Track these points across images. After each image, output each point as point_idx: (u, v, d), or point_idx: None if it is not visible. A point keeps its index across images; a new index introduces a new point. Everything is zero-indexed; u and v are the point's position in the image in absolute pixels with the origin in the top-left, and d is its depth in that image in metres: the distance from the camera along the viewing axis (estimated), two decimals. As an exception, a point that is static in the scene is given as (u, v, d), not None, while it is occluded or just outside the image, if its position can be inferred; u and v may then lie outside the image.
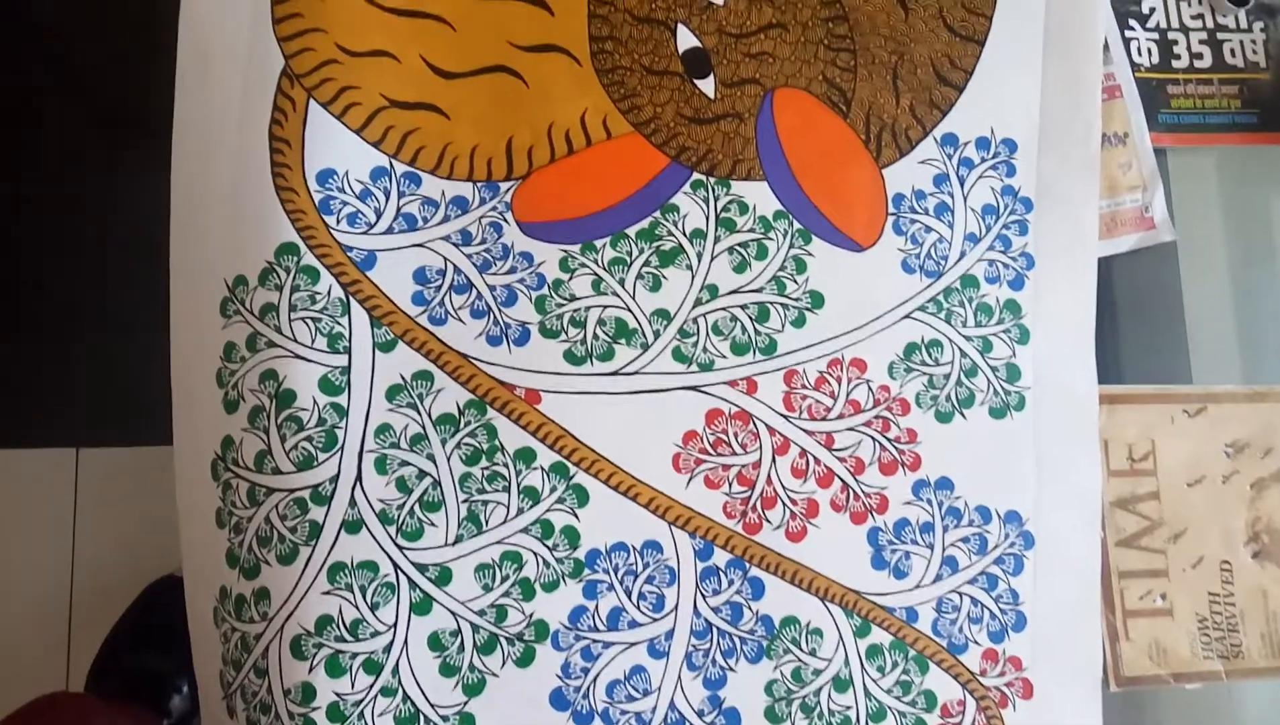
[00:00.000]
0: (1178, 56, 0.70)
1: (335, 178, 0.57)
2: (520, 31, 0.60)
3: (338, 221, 0.56)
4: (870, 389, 0.61)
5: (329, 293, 0.55)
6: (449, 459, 0.55)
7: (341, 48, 0.58)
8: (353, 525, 0.53)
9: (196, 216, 0.57)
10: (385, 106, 0.58)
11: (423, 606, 0.54)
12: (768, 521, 0.58)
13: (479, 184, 0.59)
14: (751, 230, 0.62)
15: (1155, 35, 0.70)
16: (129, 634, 0.93)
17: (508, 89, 0.60)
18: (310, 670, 0.52)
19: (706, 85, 0.62)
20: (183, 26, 0.58)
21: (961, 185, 0.65)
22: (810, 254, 0.62)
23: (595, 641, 0.56)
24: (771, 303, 0.61)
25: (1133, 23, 0.70)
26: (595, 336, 0.58)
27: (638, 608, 0.56)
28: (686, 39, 0.63)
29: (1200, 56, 0.70)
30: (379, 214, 0.57)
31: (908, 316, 0.63)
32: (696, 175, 0.62)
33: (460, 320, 0.57)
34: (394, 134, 0.58)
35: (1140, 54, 0.70)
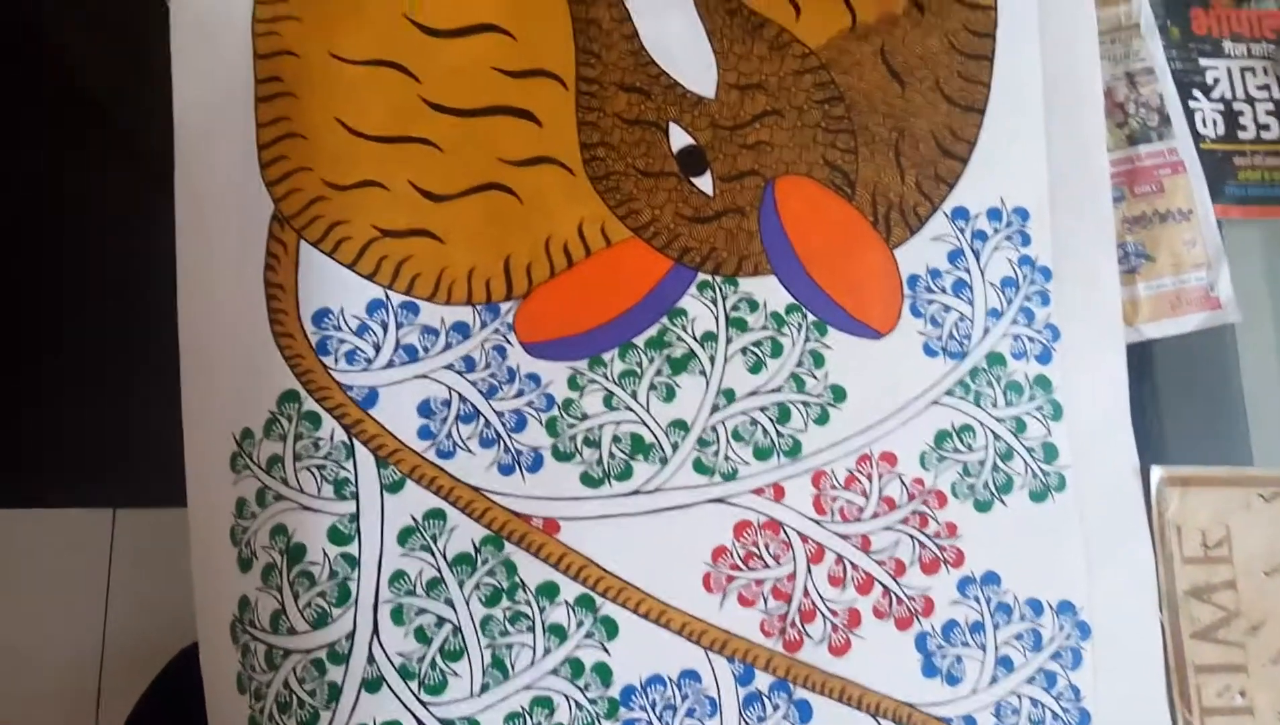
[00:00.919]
0: (1244, 127, 0.67)
1: (331, 316, 0.55)
2: (509, 146, 0.59)
3: (336, 361, 0.54)
4: (903, 483, 0.59)
5: (332, 437, 0.53)
6: (468, 602, 0.52)
7: (329, 183, 0.56)
8: (372, 684, 0.51)
9: (203, 369, 0.55)
10: (377, 237, 0.56)
11: (453, 763, 0.51)
12: (808, 636, 0.55)
13: (479, 307, 0.57)
14: (764, 327, 0.59)
15: (1220, 106, 0.68)
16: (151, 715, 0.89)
17: (501, 206, 0.58)
18: (339, 843, 0.49)
19: (704, 182, 0.61)
20: (178, 173, 0.57)
21: (977, 259, 0.63)
22: (827, 346, 0.60)
23: (638, 782, 0.53)
24: (792, 402, 0.59)
25: (1196, 93, 0.68)
26: (611, 455, 0.56)
27: (680, 742, 0.53)
28: (680, 137, 0.61)
29: (1267, 128, 0.67)
30: (378, 348, 0.55)
31: (935, 402, 0.60)
32: (702, 276, 0.60)
33: (469, 451, 0.55)
34: (388, 264, 0.56)
35: (1205, 125, 0.67)
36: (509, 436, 0.55)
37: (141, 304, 0.60)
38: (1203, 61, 0.68)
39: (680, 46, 0.62)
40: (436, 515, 0.54)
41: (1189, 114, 0.67)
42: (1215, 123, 0.68)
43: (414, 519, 0.53)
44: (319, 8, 0.58)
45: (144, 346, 0.58)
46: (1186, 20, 0.69)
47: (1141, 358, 0.64)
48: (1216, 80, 0.68)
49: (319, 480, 0.53)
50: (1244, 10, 0.70)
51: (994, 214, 0.64)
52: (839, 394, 0.59)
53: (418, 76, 0.59)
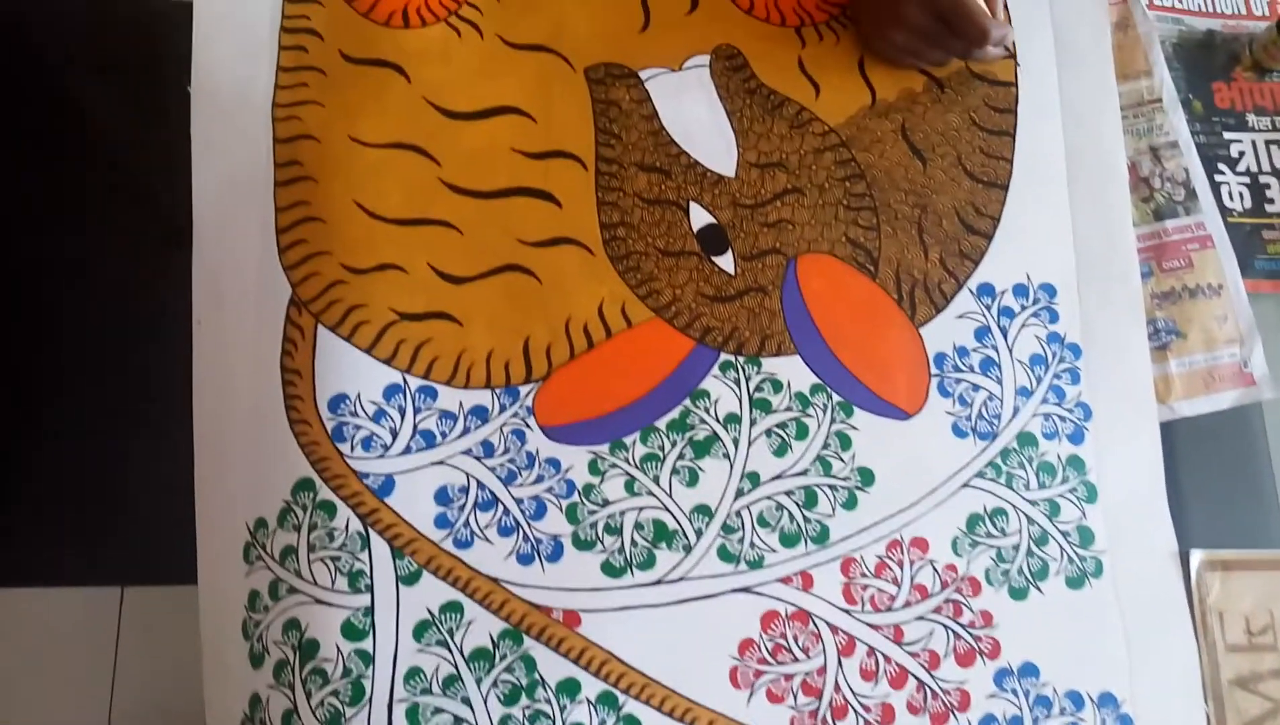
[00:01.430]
0: (1271, 201, 0.66)
1: (347, 402, 0.54)
2: (529, 227, 0.58)
3: (352, 448, 0.53)
4: (936, 570, 0.57)
5: (347, 527, 0.52)
6: (486, 701, 0.50)
7: (347, 267, 0.56)
8: (387, 788, 0.48)
9: (217, 459, 0.54)
10: (395, 321, 0.56)
11: None
12: (841, 734, 0.53)
13: (498, 390, 0.56)
14: (789, 409, 0.58)
15: (1246, 179, 0.67)
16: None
17: (521, 287, 0.58)
18: None
19: (725, 261, 0.60)
20: (196, 256, 0.57)
21: (1005, 337, 0.62)
22: (854, 427, 0.58)
23: None
24: (818, 485, 0.57)
25: (1222, 167, 0.67)
26: (633, 543, 0.54)
27: (707, 848, 0.51)
28: (700, 216, 0.60)
29: (1295, 200, 0.67)
30: (394, 434, 0.54)
31: (966, 485, 0.58)
32: (724, 356, 0.58)
33: (487, 540, 0.53)
34: (406, 348, 0.55)
35: (1232, 199, 0.67)
36: (528, 524, 0.54)
37: (154, 382, 0.60)
38: (1227, 135, 0.68)
39: (700, 126, 0.62)
40: (453, 608, 0.52)
41: (1215, 188, 0.66)
42: (1242, 196, 0.67)
43: (430, 612, 0.52)
44: (340, 92, 0.58)
45: (156, 425, 0.57)
46: (1209, 94, 0.69)
47: (1165, 435, 0.62)
48: (1242, 154, 0.67)
49: (333, 572, 0.51)
50: (1267, 83, 0.69)
51: (1020, 290, 0.63)
52: (867, 477, 0.57)
53: (437, 159, 0.58)
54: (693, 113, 0.62)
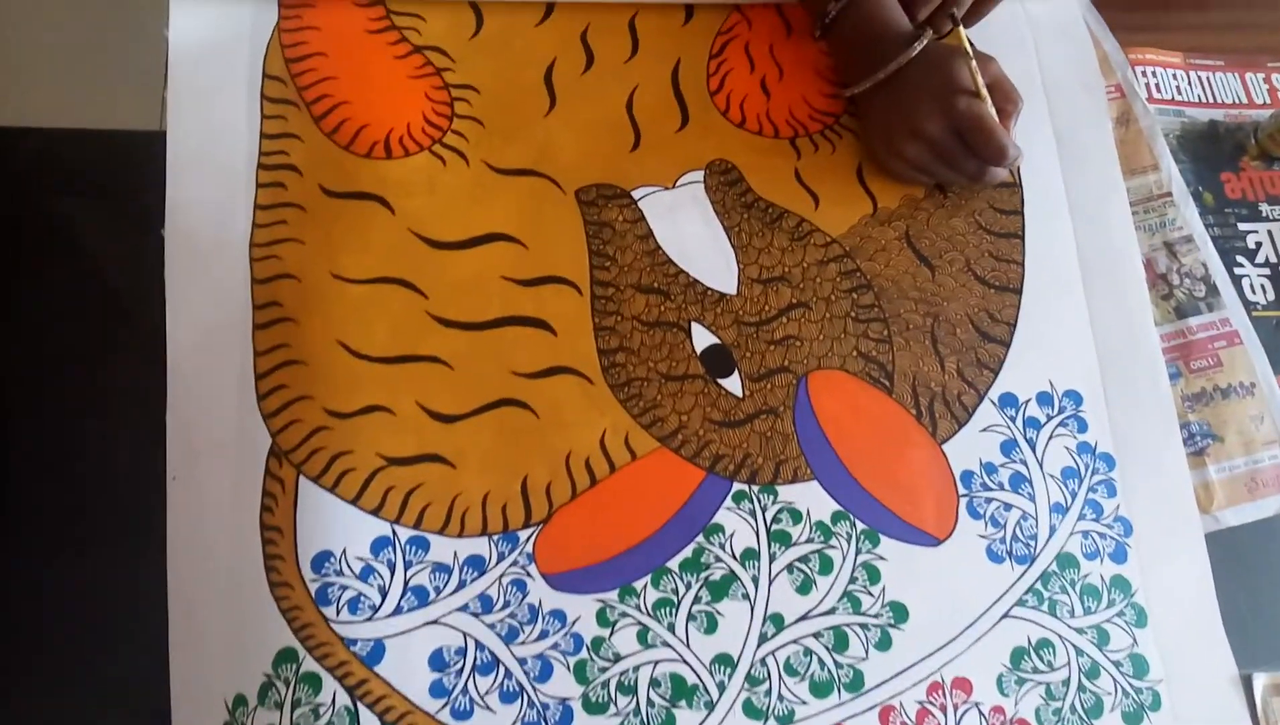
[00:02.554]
0: None
1: (332, 560, 0.50)
2: (523, 358, 0.55)
3: (338, 612, 0.49)
4: (982, 714, 0.52)
5: (333, 702, 0.47)
6: None
7: (330, 412, 0.52)
8: None
9: (193, 628, 0.50)
10: (382, 467, 0.52)
11: None
12: None
13: (495, 537, 0.52)
14: (810, 540, 0.54)
15: (1266, 271, 0.64)
16: None
17: (516, 423, 0.54)
18: None
19: (732, 383, 0.57)
20: (170, 413, 0.53)
21: (1033, 449, 0.58)
22: (881, 557, 0.54)
23: None
24: (848, 625, 0.52)
25: (1240, 259, 0.64)
26: (650, 703, 0.49)
27: None
28: (703, 337, 0.57)
29: (1319, 288, 0.64)
30: (384, 593, 0.50)
31: (1007, 615, 0.54)
32: (737, 485, 0.55)
33: (489, 708, 0.48)
34: (394, 496, 0.51)
35: (1254, 292, 0.64)
36: (533, 688, 0.49)
37: (125, 544, 0.55)
38: (1241, 226, 0.66)
39: (697, 243, 0.59)
40: (453, 790, 0.47)
41: (1235, 281, 0.64)
42: (1264, 288, 0.64)
43: (428, 796, 0.46)
44: (321, 228, 0.56)
45: (130, 590, 0.53)
46: (1219, 185, 0.67)
47: (1212, 546, 0.58)
48: (1259, 244, 0.65)
49: (318, 756, 0.46)
50: (1276, 171, 0.67)
51: (1044, 399, 0.59)
52: (900, 613, 0.53)
53: (424, 292, 0.55)
54: (689, 230, 0.59)
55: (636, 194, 0.60)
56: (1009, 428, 0.58)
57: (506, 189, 0.59)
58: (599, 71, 0.62)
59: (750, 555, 0.53)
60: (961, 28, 0.57)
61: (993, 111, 0.57)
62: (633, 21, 0.64)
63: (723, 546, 0.53)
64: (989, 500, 0.56)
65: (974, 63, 0.56)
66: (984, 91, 0.57)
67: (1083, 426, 0.59)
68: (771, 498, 0.55)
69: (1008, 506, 0.56)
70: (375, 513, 0.51)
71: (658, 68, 0.63)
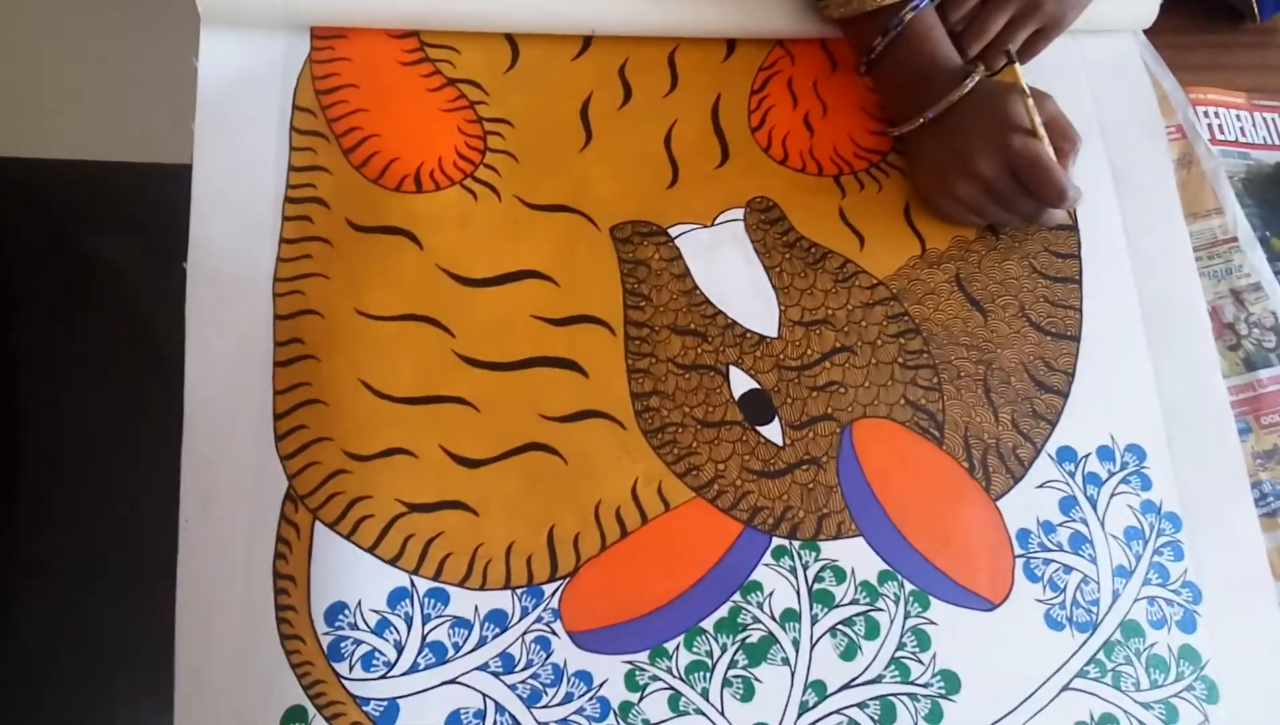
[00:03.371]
0: None
1: (346, 612, 0.47)
2: (553, 401, 0.53)
3: (350, 668, 0.46)
4: (1042, 797, 0.47)
5: (343, 766, 0.44)
6: None
7: (350, 454, 0.50)
8: None
9: (201, 683, 0.47)
10: (403, 513, 0.49)
11: None
12: None
13: (519, 590, 0.49)
14: (855, 601, 0.50)
15: None
16: None
17: (544, 469, 0.51)
18: None
19: (772, 431, 0.53)
20: (186, 454, 0.50)
21: (1094, 507, 0.54)
22: (932, 622, 0.50)
23: None
24: (896, 695, 0.49)
25: None
26: (682, 775, 0.46)
27: None
28: (742, 382, 0.54)
29: None
30: (400, 649, 0.47)
31: (1067, 687, 0.50)
32: (777, 540, 0.51)
33: (509, 777, 0.45)
34: (414, 544, 0.49)
35: None
36: (557, 756, 0.46)
37: (136, 590, 0.53)
38: (1314, 273, 0.62)
39: (737, 284, 0.57)
40: None
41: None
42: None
43: None
44: (347, 263, 0.54)
45: (135, 645, 0.50)
46: (1288, 230, 0.63)
47: None
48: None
49: (326, 826, 0.43)
50: (1349, 217, 0.64)
51: (1105, 453, 0.56)
52: (952, 683, 0.49)
53: (451, 330, 0.53)
54: (728, 269, 0.57)
55: (674, 232, 0.57)
56: (1068, 484, 0.55)
57: (539, 225, 0.57)
58: (637, 106, 0.60)
59: (790, 616, 0.50)
60: (1017, 63, 0.55)
61: (1050, 150, 0.54)
62: (672, 56, 0.62)
63: (761, 606, 0.50)
64: (1047, 561, 0.52)
65: (1030, 100, 0.54)
66: (1041, 130, 0.54)
67: (1146, 483, 0.55)
68: (814, 554, 0.51)
69: (1067, 568, 0.52)
70: (393, 562, 0.48)
71: (697, 103, 0.61)
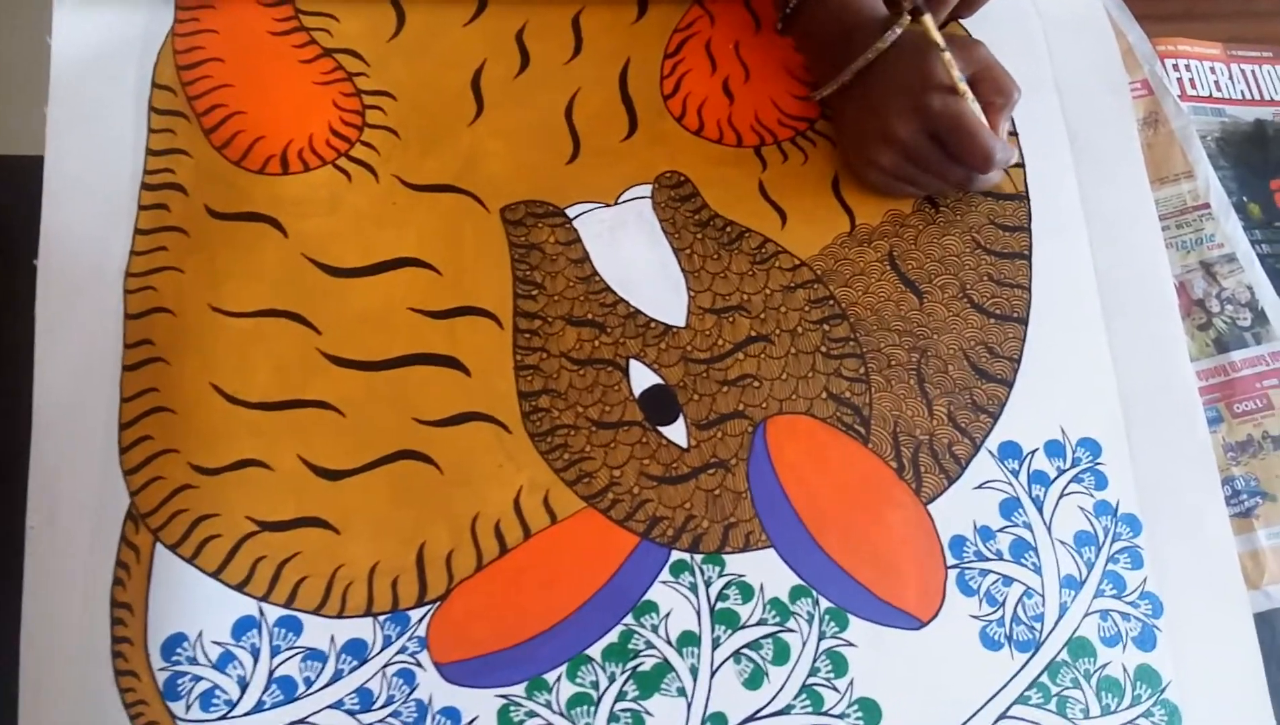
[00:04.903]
0: None
1: (186, 645, 0.42)
2: (429, 402, 0.47)
3: (188, 708, 0.41)
4: (970, 843, 0.42)
5: (171, 823, 0.39)
6: None
7: (196, 468, 0.45)
8: None
9: (40, 716, 0.42)
10: (253, 533, 0.44)
11: None
12: None
13: (382, 617, 0.44)
14: (762, 622, 0.45)
15: None
16: None
17: (416, 479, 0.46)
18: None
19: (676, 431, 0.48)
20: (33, 469, 0.46)
21: (1040, 510, 0.48)
22: (850, 643, 0.45)
23: None
24: (805, 729, 0.43)
25: None
26: (557, 824, 0.41)
27: None
28: (643, 376, 0.49)
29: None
30: (244, 685, 0.42)
31: (1005, 716, 0.44)
32: (677, 554, 0.46)
33: (362, 828, 0.40)
34: (265, 567, 0.44)
35: None
36: (415, 805, 0.41)
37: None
38: (1295, 242, 0.55)
39: (641, 268, 0.51)
40: None
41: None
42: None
43: None
44: (203, 254, 0.49)
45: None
46: (1267, 195, 0.57)
47: (1262, 629, 0.48)
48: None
49: None
50: (1336, 178, 0.57)
51: (1055, 449, 0.50)
52: (872, 713, 0.44)
53: (316, 326, 0.48)
54: (632, 253, 0.51)
55: (572, 212, 0.52)
56: (1010, 483, 0.49)
57: (420, 207, 0.51)
58: (534, 74, 0.55)
59: (689, 640, 0.44)
60: (927, 15, 0.48)
61: (975, 109, 0.48)
62: (577, 19, 0.56)
63: (655, 629, 0.44)
64: (984, 572, 0.47)
65: (946, 54, 0.48)
66: (961, 86, 0.48)
67: (1101, 482, 0.49)
68: (718, 569, 0.46)
69: (1007, 580, 0.47)
70: (240, 588, 0.43)
71: (603, 69, 0.55)
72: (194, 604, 0.43)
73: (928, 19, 0.48)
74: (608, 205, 0.52)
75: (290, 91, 0.53)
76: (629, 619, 0.45)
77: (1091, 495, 0.49)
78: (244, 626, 0.43)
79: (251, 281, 0.49)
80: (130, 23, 0.53)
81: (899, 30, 0.48)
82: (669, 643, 0.44)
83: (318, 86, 0.53)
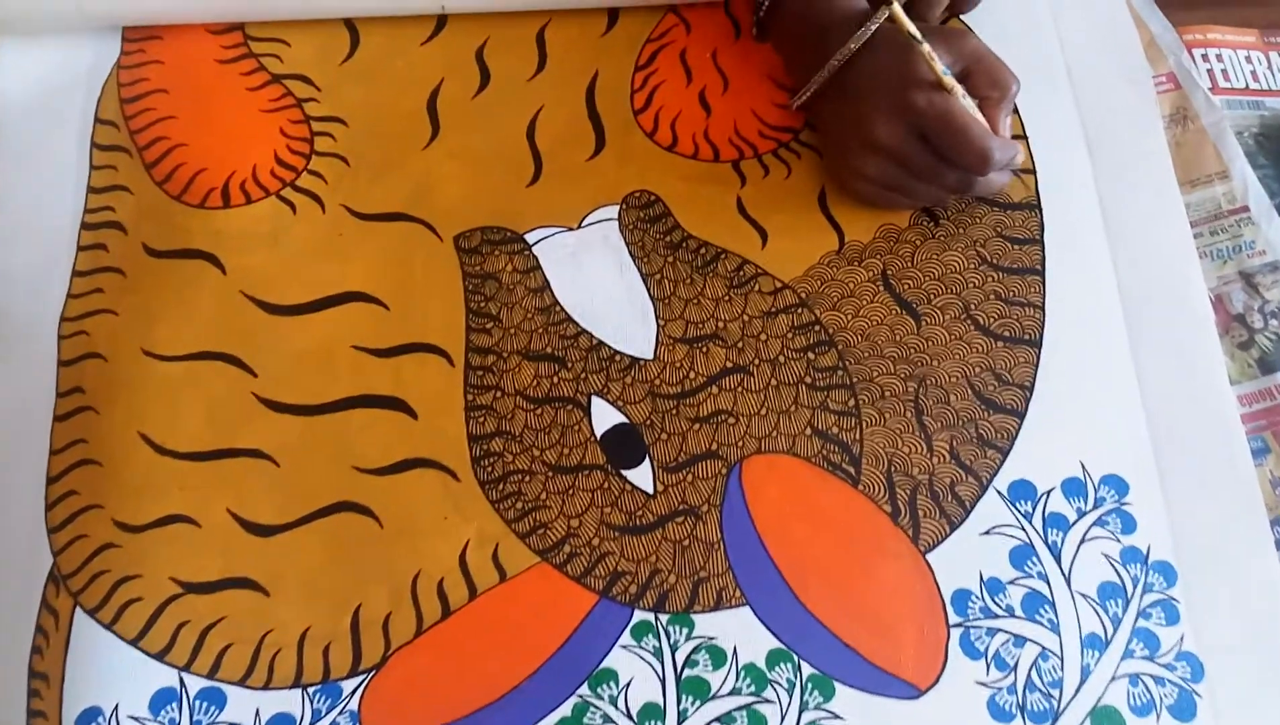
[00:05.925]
0: None
1: (100, 720, 0.39)
2: (371, 449, 0.44)
3: (96, 792, 0.38)
4: None
5: None
6: None
7: (120, 525, 0.42)
8: None
9: None
10: (176, 596, 0.41)
11: None
12: None
13: (311, 689, 0.40)
14: (736, 691, 0.40)
15: None
16: None
17: (353, 534, 0.42)
18: None
19: (641, 476, 0.43)
20: None
21: (1057, 558, 0.42)
22: (836, 715, 0.39)
23: None
24: (782, 816, 0.38)
25: None
26: None
27: None
28: (606, 415, 0.45)
29: None
30: (159, 766, 0.38)
31: (1015, 801, 0.39)
32: (640, 614, 0.41)
33: None
34: (187, 634, 0.40)
35: None
36: None
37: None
38: (1350, 247, 0.49)
39: (606, 297, 0.47)
40: None
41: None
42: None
43: None
44: (139, 295, 0.46)
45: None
46: (1315, 195, 0.50)
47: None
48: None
49: None
50: (1397, 172, 0.51)
51: (1074, 488, 0.44)
52: (858, 798, 0.38)
53: (252, 368, 0.45)
54: (597, 280, 0.47)
55: (531, 237, 0.48)
56: (1023, 528, 0.43)
57: (368, 238, 0.48)
58: (494, 92, 0.51)
59: (652, 713, 0.40)
60: (896, 4, 0.43)
61: (968, 104, 0.43)
62: (542, 33, 0.53)
63: (614, 700, 0.40)
64: (992, 631, 0.41)
65: (924, 46, 0.43)
66: (947, 80, 0.43)
67: (1130, 525, 0.43)
68: (685, 631, 0.41)
69: (1020, 640, 0.41)
70: (160, 657, 0.40)
71: (569, 85, 0.52)
72: (111, 674, 0.40)
73: (896, 7, 0.43)
74: (571, 229, 0.48)
75: (234, 121, 0.50)
76: (584, 689, 0.40)
77: (1118, 540, 0.43)
78: (163, 699, 0.39)
79: (186, 323, 0.46)
80: (76, 58, 0.51)
81: (874, 26, 0.43)
82: (629, 716, 0.39)
83: (264, 115, 0.50)
